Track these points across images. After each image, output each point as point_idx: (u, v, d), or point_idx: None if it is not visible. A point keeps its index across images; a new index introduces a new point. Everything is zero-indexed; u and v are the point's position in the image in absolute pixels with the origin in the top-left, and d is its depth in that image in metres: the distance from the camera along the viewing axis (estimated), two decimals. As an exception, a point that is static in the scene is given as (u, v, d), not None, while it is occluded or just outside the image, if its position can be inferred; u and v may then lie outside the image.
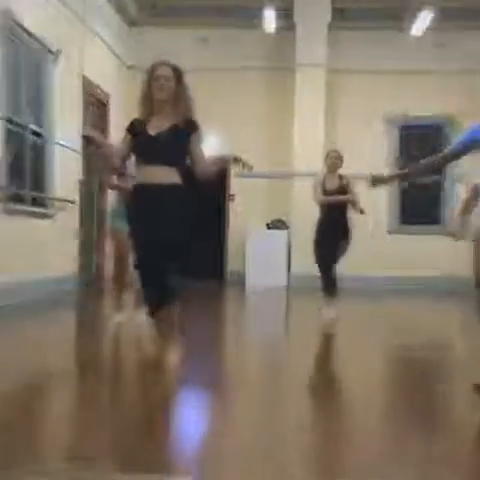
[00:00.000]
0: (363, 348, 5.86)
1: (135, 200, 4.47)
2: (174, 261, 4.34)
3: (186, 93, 4.40)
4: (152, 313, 4.39)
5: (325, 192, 7.44)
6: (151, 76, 4.36)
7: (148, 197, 4.29)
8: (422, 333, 6.73)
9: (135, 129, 4.44)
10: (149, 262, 4.30)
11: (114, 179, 6.35)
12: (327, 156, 7.61)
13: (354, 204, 7.37)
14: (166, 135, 4.32)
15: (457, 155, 4.27)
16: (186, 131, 4.35)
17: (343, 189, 7.46)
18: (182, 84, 4.38)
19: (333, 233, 7.31)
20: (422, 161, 4.35)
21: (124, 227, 6.39)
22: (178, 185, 4.33)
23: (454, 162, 4.38)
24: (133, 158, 4.62)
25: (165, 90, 4.31)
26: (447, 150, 4.38)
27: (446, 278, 11.94)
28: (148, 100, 4.40)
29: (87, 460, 2.58)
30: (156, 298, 4.34)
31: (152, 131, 4.35)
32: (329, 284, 7.07)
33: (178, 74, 4.37)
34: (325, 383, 4.39)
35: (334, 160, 7.52)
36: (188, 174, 4.41)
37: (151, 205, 4.27)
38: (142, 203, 4.35)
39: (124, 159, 4.58)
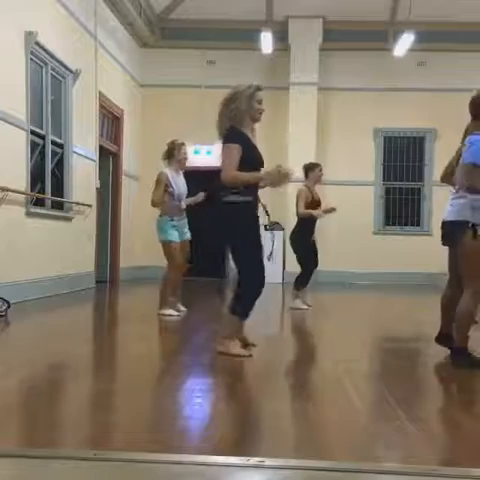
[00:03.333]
0: (348, 332, 5.82)
1: (252, 213, 4.36)
2: None
3: None
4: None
5: (313, 202, 7.39)
6: (255, 96, 4.32)
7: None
8: (403, 321, 6.69)
9: (244, 140, 4.30)
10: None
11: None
12: (316, 169, 7.44)
13: (329, 211, 7.48)
14: None
15: None
16: None
17: (320, 200, 7.49)
18: None
19: (314, 243, 7.55)
20: None
21: (175, 238, 6.44)
22: None
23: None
24: None
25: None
26: None
27: (423, 274, 12.01)
28: (249, 115, 4.33)
29: (103, 442, 2.53)
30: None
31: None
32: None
33: None
34: (311, 363, 4.34)
35: (322, 174, 7.47)
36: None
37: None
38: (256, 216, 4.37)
39: None
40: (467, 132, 4.26)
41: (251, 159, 4.27)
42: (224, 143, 4.27)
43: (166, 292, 6.55)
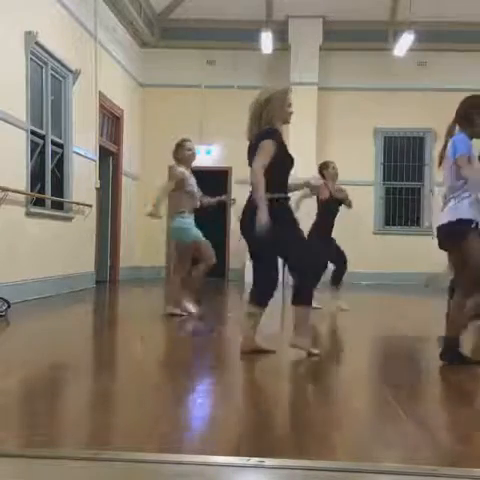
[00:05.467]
0: (348, 332, 5.82)
1: (285, 211, 4.40)
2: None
3: None
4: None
5: (331, 200, 7.39)
6: (287, 100, 4.41)
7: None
8: (403, 320, 6.69)
9: (279, 139, 4.36)
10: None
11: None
12: (329, 167, 7.45)
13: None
14: None
15: None
16: None
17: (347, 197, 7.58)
18: None
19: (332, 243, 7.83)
20: None
21: (201, 235, 6.45)
22: None
23: None
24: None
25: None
26: None
27: (423, 274, 11.99)
28: (281, 118, 4.42)
29: (103, 442, 2.52)
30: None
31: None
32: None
33: None
34: (311, 363, 4.34)
35: (336, 172, 7.50)
36: None
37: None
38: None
39: None
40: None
41: (281, 160, 4.34)
42: (260, 141, 4.30)
43: (193, 289, 6.65)
